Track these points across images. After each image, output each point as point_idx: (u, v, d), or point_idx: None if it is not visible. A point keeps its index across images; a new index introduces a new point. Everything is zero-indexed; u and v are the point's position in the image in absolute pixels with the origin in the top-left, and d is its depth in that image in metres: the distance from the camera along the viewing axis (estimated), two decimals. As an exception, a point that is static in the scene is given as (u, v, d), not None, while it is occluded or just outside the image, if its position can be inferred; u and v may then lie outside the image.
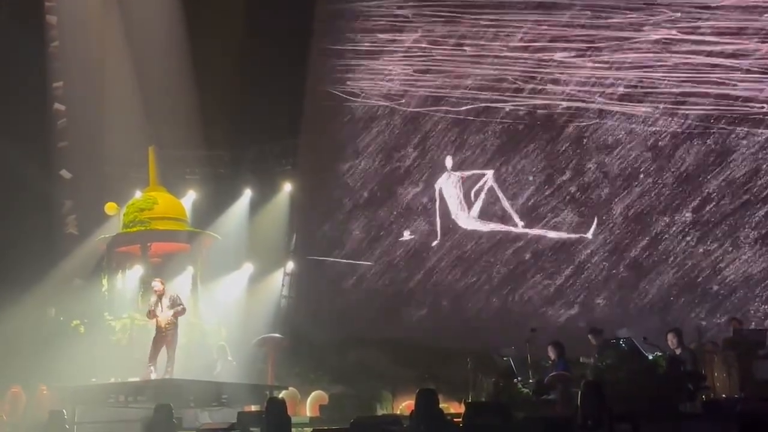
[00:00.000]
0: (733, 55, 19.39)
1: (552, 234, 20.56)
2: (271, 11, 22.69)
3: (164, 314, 15.61)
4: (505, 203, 21.11)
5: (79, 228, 21.78)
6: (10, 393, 16.90)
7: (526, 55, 21.40)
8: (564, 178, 20.67)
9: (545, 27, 21.26)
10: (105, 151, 22.22)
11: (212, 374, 16.82)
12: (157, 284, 15.98)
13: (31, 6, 22.12)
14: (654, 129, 19.91)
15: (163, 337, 15.63)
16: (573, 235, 20.33)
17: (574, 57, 20.89)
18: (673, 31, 19.97)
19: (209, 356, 17.74)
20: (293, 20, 23.00)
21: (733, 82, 19.25)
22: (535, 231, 20.74)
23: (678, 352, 14.27)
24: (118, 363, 16.78)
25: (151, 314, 15.79)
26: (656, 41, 20.12)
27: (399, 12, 22.91)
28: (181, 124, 21.81)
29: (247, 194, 22.77)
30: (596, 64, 20.63)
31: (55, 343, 17.90)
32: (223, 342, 17.84)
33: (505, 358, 15.56)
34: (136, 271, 19.11)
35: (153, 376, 15.34)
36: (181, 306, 15.81)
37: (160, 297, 15.75)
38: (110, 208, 19.58)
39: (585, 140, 20.55)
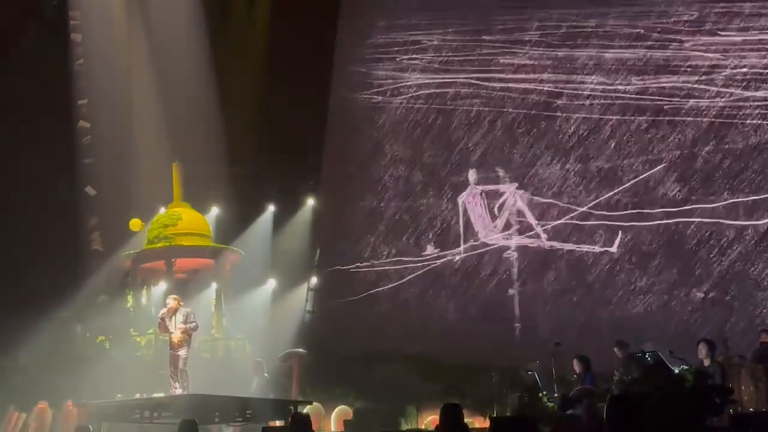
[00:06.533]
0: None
1: (576, 247, 20.47)
2: (294, 26, 22.77)
3: (177, 331, 15.60)
4: (529, 216, 21.05)
5: (105, 244, 21.89)
6: (36, 409, 17.00)
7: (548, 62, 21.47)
8: (588, 188, 20.61)
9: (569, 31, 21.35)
10: (130, 167, 22.34)
11: (248, 390, 16.79)
12: (170, 301, 15.96)
13: (56, 24, 22.32)
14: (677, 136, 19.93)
15: (176, 352, 15.61)
16: (598, 249, 20.24)
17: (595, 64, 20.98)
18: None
19: (236, 371, 17.75)
20: (316, 34, 23.10)
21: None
22: (560, 244, 20.66)
23: (707, 363, 14.11)
24: (143, 379, 16.83)
25: (161, 327, 15.81)
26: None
27: (422, 21, 22.98)
28: (205, 140, 21.88)
29: (271, 210, 22.83)
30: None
31: (81, 359, 17.98)
32: (260, 358, 17.83)
33: (530, 372, 15.47)
34: (161, 286, 19.19)
35: (177, 392, 15.36)
36: (194, 323, 15.77)
37: (172, 313, 15.70)
38: (134, 224, 19.68)
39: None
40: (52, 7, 22.55)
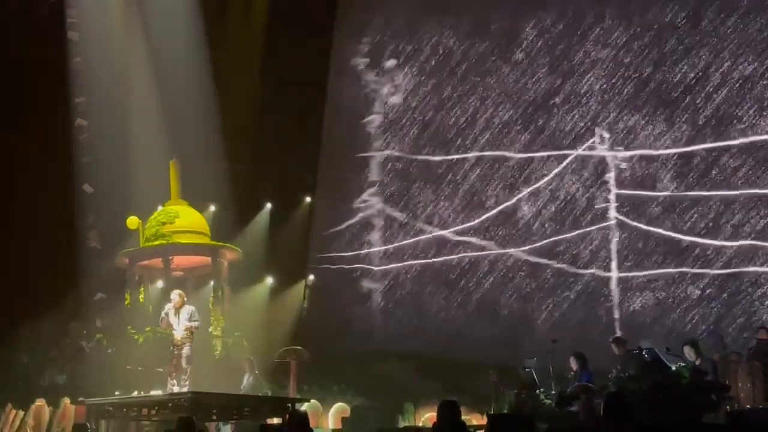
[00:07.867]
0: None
1: (573, 243, 20.52)
2: (291, 27, 22.77)
3: (180, 329, 15.53)
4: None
5: (102, 242, 21.85)
6: (34, 407, 16.99)
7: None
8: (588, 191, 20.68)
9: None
10: (127, 165, 22.31)
11: (240, 387, 16.81)
12: (174, 296, 15.87)
13: (53, 22, 22.28)
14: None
15: (179, 350, 15.55)
16: (595, 248, 20.30)
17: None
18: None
19: (233, 369, 17.75)
20: (313, 33, 23.12)
21: None
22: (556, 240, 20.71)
23: (698, 363, 14.14)
24: (140, 376, 16.82)
25: (164, 323, 15.71)
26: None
27: (420, 19, 23.02)
28: (203, 138, 21.86)
29: (268, 207, 22.83)
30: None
31: (79, 357, 17.98)
32: (251, 356, 17.82)
33: (527, 370, 15.48)
34: (159, 284, 19.18)
35: (175, 390, 15.35)
36: (197, 322, 15.71)
37: (176, 309, 15.64)
38: (132, 222, 19.63)
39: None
40: (49, 6, 22.50)
